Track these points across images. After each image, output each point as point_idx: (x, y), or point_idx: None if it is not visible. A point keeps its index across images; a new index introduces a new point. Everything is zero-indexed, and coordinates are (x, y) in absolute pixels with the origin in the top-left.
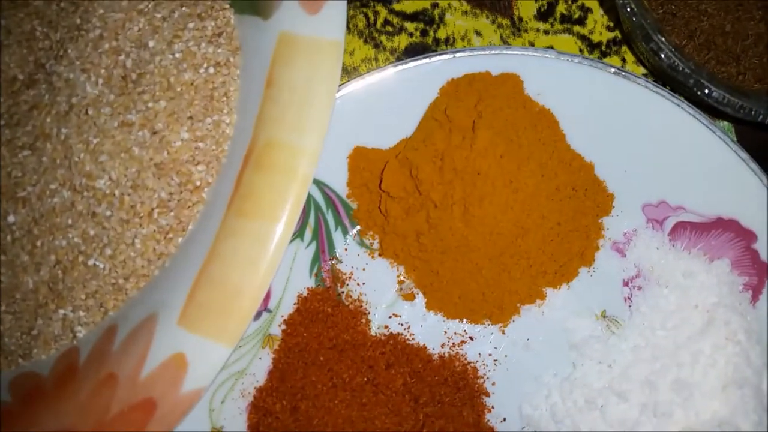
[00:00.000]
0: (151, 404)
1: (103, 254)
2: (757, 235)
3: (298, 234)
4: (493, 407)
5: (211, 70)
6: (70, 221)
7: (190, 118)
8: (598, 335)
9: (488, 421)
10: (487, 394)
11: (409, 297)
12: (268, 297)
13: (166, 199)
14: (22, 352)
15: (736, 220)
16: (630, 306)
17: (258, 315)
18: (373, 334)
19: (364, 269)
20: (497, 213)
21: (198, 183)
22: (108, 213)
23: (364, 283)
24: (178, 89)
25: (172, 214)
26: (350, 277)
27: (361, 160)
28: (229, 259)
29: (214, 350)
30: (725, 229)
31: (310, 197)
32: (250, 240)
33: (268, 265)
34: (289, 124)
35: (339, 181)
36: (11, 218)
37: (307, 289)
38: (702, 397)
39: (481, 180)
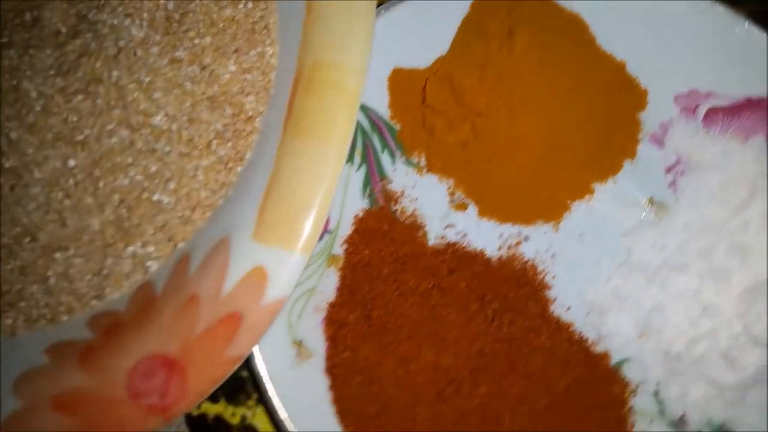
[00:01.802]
0: (237, 317)
1: (166, 189)
2: None
3: (348, 158)
4: (556, 299)
5: (250, 5)
6: (130, 160)
7: (236, 51)
8: (648, 221)
9: (553, 311)
10: (549, 287)
11: (462, 207)
12: (327, 220)
13: (222, 131)
14: (95, 293)
15: (764, 99)
16: (675, 191)
17: (320, 236)
18: (431, 245)
19: (414, 186)
20: (541, 114)
21: (250, 113)
22: (167, 148)
23: (416, 199)
24: (221, 25)
25: (229, 144)
26: (402, 195)
27: (400, 81)
28: (293, 178)
29: (291, 259)
30: (755, 109)
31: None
32: (310, 158)
33: (330, 179)
34: (333, 46)
35: (381, 105)
36: (71, 162)
37: (363, 210)
38: (757, 258)
39: (522, 84)
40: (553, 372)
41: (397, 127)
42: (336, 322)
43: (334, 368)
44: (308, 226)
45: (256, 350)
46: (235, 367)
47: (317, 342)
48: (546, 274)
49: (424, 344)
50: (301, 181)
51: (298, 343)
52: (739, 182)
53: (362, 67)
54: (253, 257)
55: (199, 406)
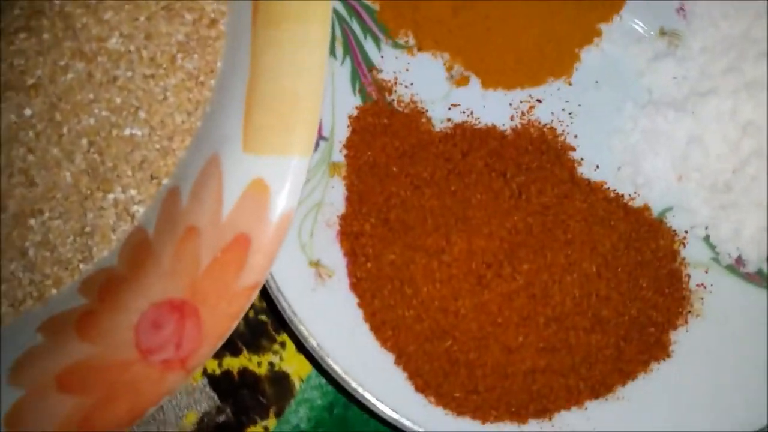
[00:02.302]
0: (244, 239)
1: (137, 120)
2: None
3: (329, 52)
4: (582, 159)
5: None
6: (91, 95)
7: None
8: (663, 53)
9: (582, 173)
10: (573, 149)
11: (463, 81)
12: (319, 125)
13: (185, 41)
14: (82, 256)
15: None
16: (685, 16)
17: (316, 145)
18: (437, 130)
19: (407, 70)
20: None
21: (212, 15)
22: (129, 73)
23: (411, 83)
24: None
25: (196, 55)
26: (396, 83)
27: None
28: (274, 70)
29: (291, 164)
30: None
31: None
32: (289, 45)
33: (317, 65)
34: None
35: None
36: (27, 111)
37: (356, 107)
38: None
39: None
40: (595, 234)
41: (376, 6)
42: (352, 233)
43: (359, 283)
44: (302, 123)
45: (272, 279)
46: (253, 297)
47: (336, 259)
48: (567, 134)
49: (453, 232)
50: (283, 75)
51: (316, 263)
52: None
53: None
54: (248, 171)
55: (220, 363)
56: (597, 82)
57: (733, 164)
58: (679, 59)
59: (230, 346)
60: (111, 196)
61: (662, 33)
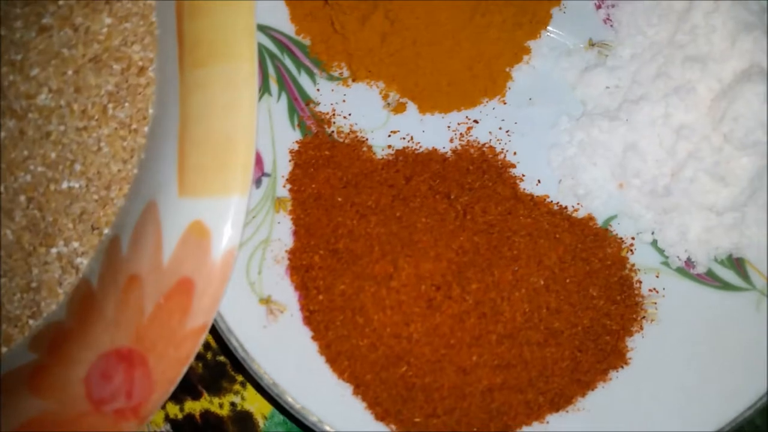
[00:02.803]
0: (187, 283)
1: (73, 172)
2: None
3: (264, 89)
4: (523, 175)
5: None
6: (26, 152)
7: (107, 2)
8: (594, 64)
9: (524, 189)
10: (513, 165)
11: (400, 108)
12: (260, 161)
13: (115, 91)
14: (30, 312)
15: None
16: (612, 25)
17: (258, 181)
18: (379, 158)
19: (344, 101)
20: None
21: (140, 63)
22: (62, 127)
23: (350, 114)
24: None
25: (127, 104)
26: (334, 114)
27: None
28: (205, 112)
29: (230, 204)
30: None
31: (260, 46)
32: (218, 86)
33: (247, 102)
34: None
35: (283, 22)
36: None
37: (296, 142)
38: (715, 62)
39: None
40: (540, 248)
41: (307, 41)
42: (302, 267)
43: (312, 316)
44: (237, 162)
45: (222, 319)
46: (201, 340)
47: (287, 294)
48: (506, 152)
49: (400, 258)
50: (213, 115)
51: (267, 300)
52: None
53: None
54: (185, 214)
55: (182, 407)
56: (530, 98)
57: (670, 168)
58: (610, 69)
59: (191, 390)
60: (54, 250)
61: (591, 44)
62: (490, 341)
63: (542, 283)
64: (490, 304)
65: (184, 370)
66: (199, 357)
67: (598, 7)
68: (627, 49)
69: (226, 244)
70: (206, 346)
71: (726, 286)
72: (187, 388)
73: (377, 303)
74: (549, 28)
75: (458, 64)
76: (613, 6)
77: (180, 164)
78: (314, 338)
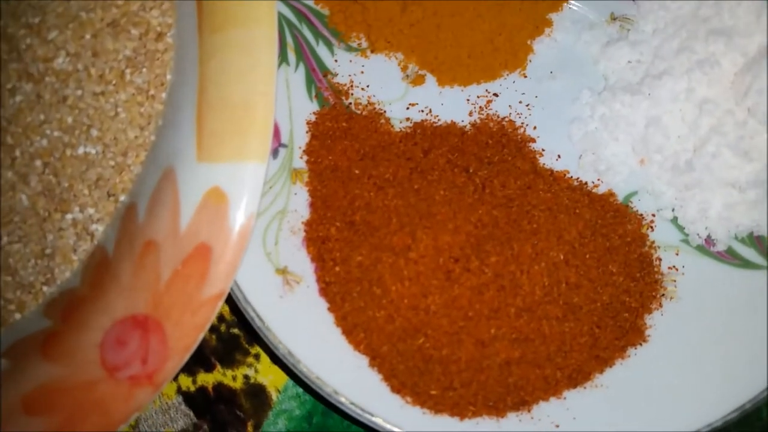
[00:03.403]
0: (205, 249)
1: (90, 138)
2: None
3: (282, 58)
4: (543, 150)
5: None
6: (42, 116)
7: None
8: (616, 38)
9: (543, 164)
10: (533, 140)
11: (419, 80)
12: (277, 132)
13: (133, 56)
14: (44, 279)
15: None
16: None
17: (275, 152)
18: (397, 130)
19: (362, 72)
20: None
21: (159, 29)
22: (79, 92)
23: (368, 86)
24: None
25: (144, 69)
26: (351, 86)
27: None
28: (223, 77)
29: (248, 170)
30: None
31: (279, 15)
32: (236, 50)
33: (266, 67)
34: None
35: None
36: None
37: (314, 113)
38: (739, 36)
39: None
40: (560, 223)
41: (326, 11)
42: (318, 239)
43: (328, 287)
44: (255, 128)
45: (239, 289)
46: (218, 307)
47: (303, 265)
48: (526, 126)
49: (418, 230)
50: (233, 79)
51: (283, 271)
52: None
53: None
54: (203, 180)
55: (194, 380)
56: (552, 72)
57: (693, 143)
58: (632, 43)
59: (204, 362)
60: (69, 216)
61: (613, 18)
62: (509, 314)
63: (562, 257)
64: (509, 277)
65: (201, 337)
66: (213, 329)
67: None
68: (649, 24)
69: (244, 210)
70: (220, 318)
71: (746, 264)
72: (200, 360)
73: (395, 274)
74: (571, 1)
75: (479, 35)
76: None
77: (198, 130)
78: (330, 309)
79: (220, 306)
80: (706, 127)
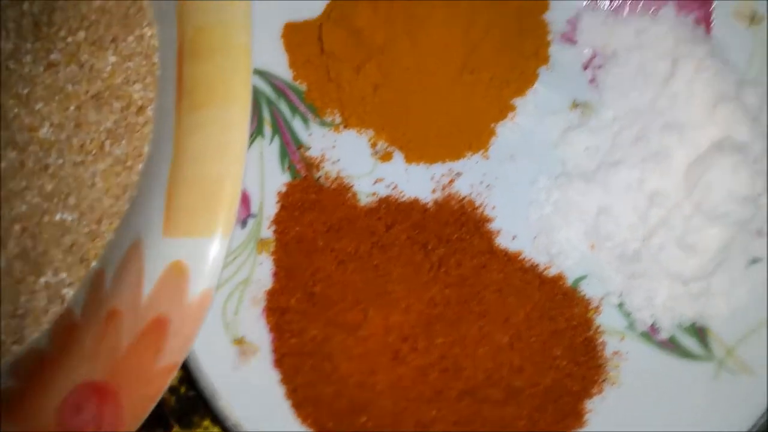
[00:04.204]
0: (162, 321)
1: (67, 205)
2: None
3: (257, 132)
4: (500, 230)
5: None
6: (24, 183)
7: (113, 41)
8: (576, 124)
9: (499, 243)
10: (491, 220)
11: (387, 157)
12: (247, 201)
13: (114, 128)
14: (14, 338)
15: None
16: (597, 86)
17: (244, 222)
18: (363, 204)
19: (334, 147)
20: (443, 32)
21: (140, 103)
22: (60, 161)
23: (338, 160)
24: (92, 17)
25: (124, 141)
26: (323, 159)
27: (295, 35)
28: (196, 153)
29: (210, 245)
30: None
31: (257, 90)
32: (211, 128)
33: (238, 146)
34: (211, 7)
35: (281, 67)
36: None
37: (285, 184)
38: (694, 129)
39: (417, 5)
40: (509, 305)
41: (303, 87)
42: (277, 309)
43: (283, 359)
44: (222, 206)
45: (194, 358)
46: (170, 378)
47: (261, 335)
48: (485, 206)
49: (371, 307)
50: (206, 156)
51: (240, 341)
52: (658, 58)
53: (245, 20)
54: (167, 254)
55: None
56: (512, 155)
57: (642, 234)
58: (591, 130)
59: (162, 422)
60: (43, 279)
61: (575, 105)
62: (450, 397)
63: (507, 340)
64: (453, 359)
65: (152, 407)
66: (173, 390)
67: (585, 67)
68: (609, 112)
69: (204, 285)
70: (181, 379)
71: (687, 354)
72: (158, 420)
73: (344, 351)
74: (536, 86)
75: (446, 118)
76: (599, 67)
77: (167, 203)
78: (283, 381)
79: (173, 377)
80: (655, 219)
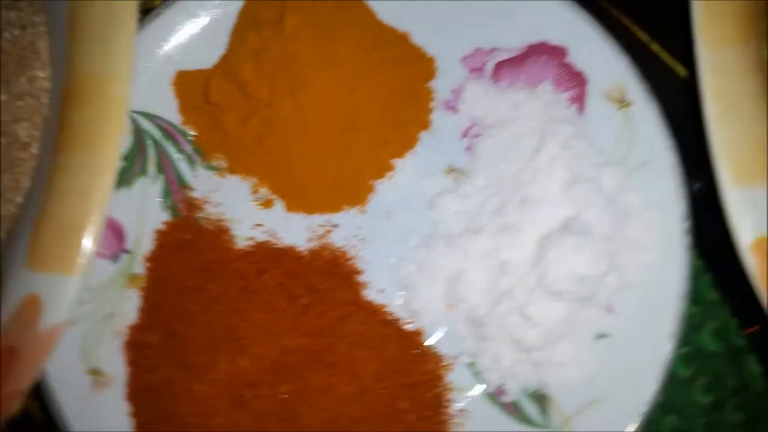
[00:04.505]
0: (13, 351)
1: None
2: (566, 48)
3: (141, 172)
4: (370, 282)
5: (17, 32)
6: None
7: (5, 81)
8: (449, 189)
9: (367, 295)
10: (361, 272)
11: (268, 204)
12: (122, 237)
13: None
14: None
15: (544, 42)
16: (472, 154)
17: (116, 257)
18: (239, 248)
19: (217, 191)
20: (324, 93)
21: (25, 140)
22: None
23: (220, 203)
24: None
25: (7, 175)
26: (205, 202)
27: (187, 83)
28: (61, 195)
29: (64, 284)
30: (538, 54)
31: (144, 131)
32: (79, 173)
33: (99, 192)
34: (95, 56)
35: (171, 111)
36: None
37: (163, 222)
38: (548, 206)
39: (299, 65)
40: (360, 357)
41: (193, 132)
42: (137, 344)
43: (134, 393)
44: (81, 246)
45: (49, 385)
46: (16, 404)
47: (117, 368)
48: (357, 259)
49: (220, 352)
50: (70, 199)
51: (95, 372)
52: (529, 133)
53: (125, 73)
54: (26, 286)
55: None
56: (389, 212)
57: (492, 300)
58: (462, 196)
59: None
60: None
61: (451, 170)
62: None
63: (352, 391)
64: (291, 408)
65: None
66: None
67: (464, 135)
68: (480, 180)
69: (54, 320)
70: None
71: (526, 420)
72: None
73: (185, 393)
74: (414, 150)
75: (327, 172)
76: (477, 136)
77: (32, 238)
78: (131, 415)
79: (19, 403)
80: (502, 287)
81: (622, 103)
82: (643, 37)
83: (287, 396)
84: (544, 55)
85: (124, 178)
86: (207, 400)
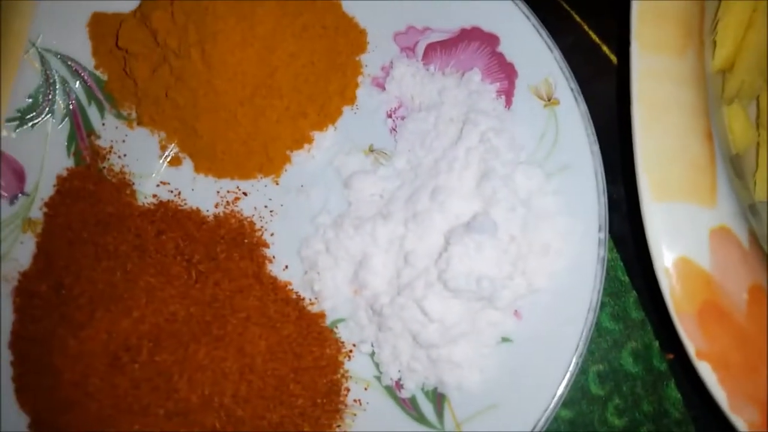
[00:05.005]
0: None
1: None
2: (499, 37)
3: (48, 112)
4: (274, 257)
5: None
6: None
7: None
8: (367, 169)
9: (270, 270)
10: (267, 245)
11: (176, 162)
12: (22, 179)
13: None
14: None
15: (477, 27)
16: (395, 136)
17: (14, 199)
18: (140, 204)
19: (124, 141)
20: (235, 50)
21: None
22: None
23: (125, 155)
24: None
25: None
26: (110, 152)
27: (102, 26)
28: None
29: None
30: (470, 40)
31: (52, 72)
32: None
33: None
34: None
35: (84, 53)
36: None
37: (66, 169)
38: (459, 199)
39: (211, 17)
40: (251, 334)
41: (105, 76)
42: (27, 292)
43: (16, 341)
44: None
45: None
46: None
47: (5, 315)
48: (265, 231)
49: (100, 310)
50: None
51: None
52: (452, 121)
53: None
54: None
55: None
56: (303, 186)
57: (394, 289)
58: (379, 178)
59: None
60: None
61: (371, 150)
62: (157, 415)
63: (236, 368)
64: (167, 378)
65: None
66: None
67: (389, 116)
68: (399, 164)
69: None
70: None
71: (421, 418)
72: None
73: (63, 348)
74: (336, 124)
75: (233, 136)
76: (402, 119)
77: None
78: (12, 364)
79: None
80: (405, 278)
81: (550, 100)
82: (594, 37)
83: (166, 365)
84: (476, 41)
85: (28, 117)
86: (83, 357)
